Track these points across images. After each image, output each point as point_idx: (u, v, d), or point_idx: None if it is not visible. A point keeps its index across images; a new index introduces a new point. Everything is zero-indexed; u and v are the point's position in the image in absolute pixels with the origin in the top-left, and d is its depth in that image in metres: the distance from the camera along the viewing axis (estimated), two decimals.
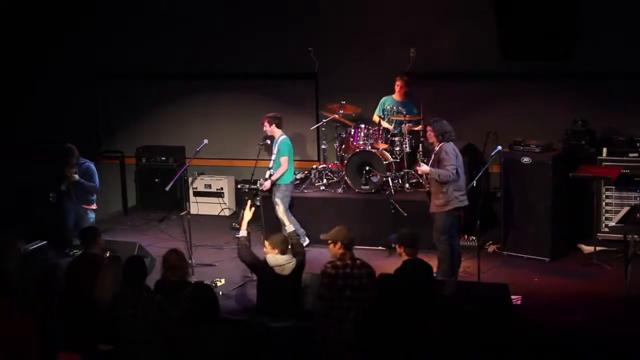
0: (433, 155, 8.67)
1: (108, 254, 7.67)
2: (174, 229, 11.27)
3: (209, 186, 12.15)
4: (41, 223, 10.50)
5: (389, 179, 10.31)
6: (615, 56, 10.36)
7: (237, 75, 12.18)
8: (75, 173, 9.82)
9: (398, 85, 10.81)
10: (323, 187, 10.79)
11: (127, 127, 12.79)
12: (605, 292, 8.58)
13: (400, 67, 10.98)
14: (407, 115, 10.65)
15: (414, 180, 10.61)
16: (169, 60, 12.26)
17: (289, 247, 7.32)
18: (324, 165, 11.11)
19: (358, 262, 6.68)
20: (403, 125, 10.64)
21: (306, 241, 9.86)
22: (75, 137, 10.30)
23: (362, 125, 10.70)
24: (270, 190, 10.02)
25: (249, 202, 8.17)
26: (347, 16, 11.40)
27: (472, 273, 8.97)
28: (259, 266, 7.41)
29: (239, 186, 11.86)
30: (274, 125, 10.03)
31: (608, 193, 9.95)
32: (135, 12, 12.15)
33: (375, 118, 10.98)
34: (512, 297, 7.96)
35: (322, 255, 7.78)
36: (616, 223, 8.59)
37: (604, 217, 9.93)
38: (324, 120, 11.06)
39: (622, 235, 8.84)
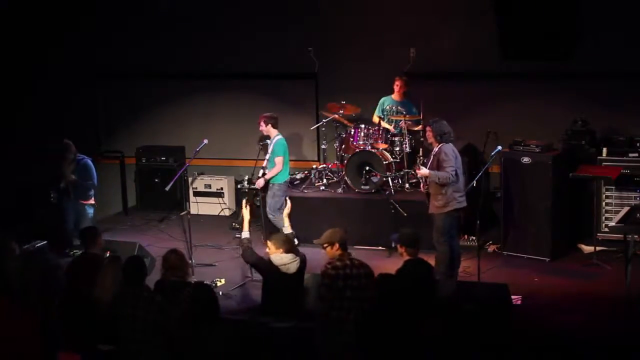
0: (432, 157, 8.65)
1: (108, 254, 7.67)
2: (174, 229, 11.27)
3: (209, 186, 12.15)
4: (41, 223, 10.51)
5: (389, 179, 10.31)
6: (615, 56, 10.36)
7: (237, 75, 12.18)
8: (73, 171, 9.85)
9: (397, 85, 10.81)
10: (323, 187, 10.79)
11: (127, 127, 12.79)
12: (605, 292, 8.58)
13: (400, 67, 10.98)
14: (407, 115, 10.65)
15: (414, 180, 10.61)
16: (169, 60, 12.26)
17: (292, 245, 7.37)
18: (324, 165, 11.11)
19: (356, 262, 6.69)
20: (401, 122, 10.64)
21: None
22: (75, 137, 10.29)
23: (362, 125, 10.70)
24: (265, 189, 10.03)
25: (244, 201, 8.19)
26: (347, 16, 11.40)
27: (472, 273, 8.97)
28: (263, 266, 7.43)
29: (239, 186, 11.86)
30: (270, 125, 10.03)
31: (608, 193, 9.95)
32: (135, 12, 12.15)
33: (375, 119, 10.98)
34: (512, 297, 7.97)
35: (316, 255, 7.78)
36: (616, 223, 8.59)
37: (604, 217, 9.93)
38: (324, 120, 11.06)
39: (622, 235, 8.84)
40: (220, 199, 12.11)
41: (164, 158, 12.26)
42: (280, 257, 7.21)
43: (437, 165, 8.50)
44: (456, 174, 8.46)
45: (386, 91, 10.93)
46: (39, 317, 5.80)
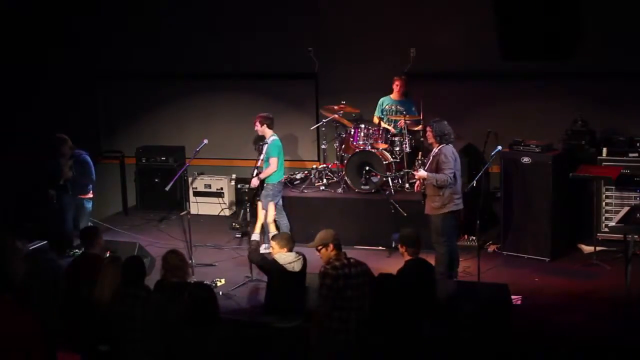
0: (431, 157, 8.64)
1: (108, 254, 7.68)
2: (174, 229, 11.27)
3: (209, 186, 12.15)
4: (41, 223, 10.52)
5: (389, 179, 10.31)
6: (615, 56, 10.36)
7: (237, 75, 12.18)
8: (71, 167, 9.88)
9: (396, 85, 10.81)
10: (323, 187, 10.79)
11: (127, 127, 12.79)
12: (605, 292, 8.58)
13: (400, 67, 10.98)
14: (407, 115, 10.65)
15: (414, 180, 10.59)
16: (169, 60, 12.26)
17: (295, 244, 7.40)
18: (324, 165, 11.11)
19: (352, 260, 6.71)
20: (400, 122, 10.64)
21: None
22: (76, 137, 10.31)
23: (362, 125, 10.70)
24: (259, 188, 10.03)
25: (260, 204, 8.22)
26: (347, 16, 11.40)
27: (472, 273, 8.97)
28: (268, 266, 7.47)
29: (239, 186, 11.87)
30: (265, 125, 10.03)
31: (608, 193, 9.95)
32: (136, 12, 12.15)
33: (375, 119, 10.98)
34: (512, 297, 7.97)
35: (315, 256, 7.79)
36: (616, 223, 8.58)
37: (604, 217, 9.93)
38: (324, 120, 11.06)
39: (622, 235, 8.83)
40: (220, 199, 12.11)
41: (164, 158, 12.26)
42: (285, 256, 7.27)
43: (436, 167, 8.49)
44: (454, 177, 8.46)
45: (386, 91, 10.93)
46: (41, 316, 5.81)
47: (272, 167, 9.85)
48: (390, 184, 10.32)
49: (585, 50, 7.36)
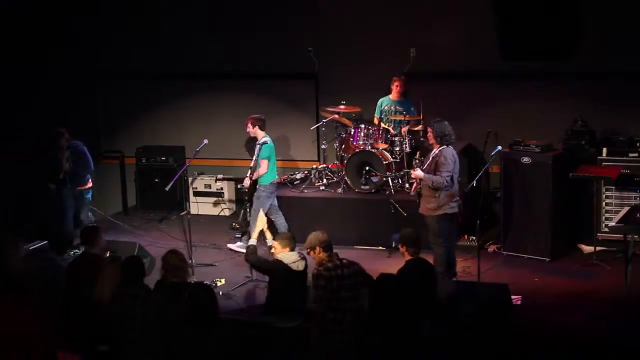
0: (431, 157, 8.63)
1: (108, 254, 7.68)
2: (174, 229, 11.27)
3: (209, 186, 12.15)
4: (41, 222, 10.53)
5: (389, 179, 10.31)
6: (615, 56, 10.36)
7: (237, 75, 12.18)
8: (67, 158, 9.90)
9: (396, 85, 10.80)
10: (323, 187, 10.79)
11: (127, 127, 12.79)
12: (605, 292, 8.58)
13: (400, 67, 10.97)
14: (407, 115, 10.64)
15: (413, 180, 10.59)
16: (169, 60, 12.26)
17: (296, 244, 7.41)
18: (324, 165, 11.11)
19: (345, 261, 6.73)
20: (402, 129, 10.63)
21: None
22: (76, 137, 10.31)
23: (362, 125, 10.69)
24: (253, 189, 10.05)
25: (263, 213, 8.23)
26: (347, 16, 11.40)
27: (472, 273, 8.97)
28: (267, 266, 7.47)
29: (238, 186, 11.86)
30: (257, 127, 10.03)
31: (608, 193, 9.95)
32: (136, 12, 12.15)
33: (376, 120, 10.98)
34: (512, 297, 7.97)
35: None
36: (616, 223, 8.59)
37: (604, 217, 9.93)
38: (324, 120, 11.06)
39: (622, 235, 8.84)
40: (220, 199, 12.11)
41: (164, 158, 12.26)
42: (288, 255, 7.29)
43: (435, 168, 8.48)
44: (451, 179, 8.45)
45: (386, 91, 10.93)
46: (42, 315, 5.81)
47: (263, 169, 9.84)
48: (390, 184, 10.32)
49: (585, 50, 7.36)
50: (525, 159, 9.64)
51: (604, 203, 9.97)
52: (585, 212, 9.95)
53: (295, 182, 11.09)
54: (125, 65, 12.47)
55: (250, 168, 9.88)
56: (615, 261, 9.33)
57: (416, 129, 10.64)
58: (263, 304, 7.75)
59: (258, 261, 7.68)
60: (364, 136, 10.57)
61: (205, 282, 7.54)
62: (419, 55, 11.01)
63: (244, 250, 9.75)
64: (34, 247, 8.92)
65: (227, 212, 12.07)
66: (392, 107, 10.85)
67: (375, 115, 11.00)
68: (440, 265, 8.45)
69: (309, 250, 6.82)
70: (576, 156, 10.10)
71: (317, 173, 11.02)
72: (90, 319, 6.36)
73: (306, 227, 9.87)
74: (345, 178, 10.49)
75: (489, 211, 10.48)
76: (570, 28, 6.61)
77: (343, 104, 10.87)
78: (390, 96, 10.90)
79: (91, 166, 10.23)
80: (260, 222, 7.96)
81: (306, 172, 11.27)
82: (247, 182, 9.94)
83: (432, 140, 8.67)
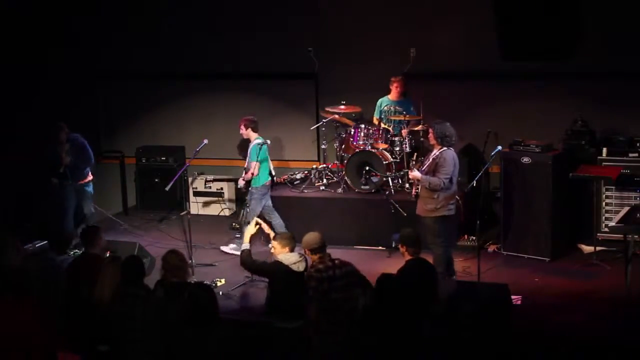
0: (431, 159, 8.62)
1: (108, 254, 7.68)
2: (174, 229, 11.27)
3: (209, 186, 12.15)
4: (41, 221, 10.53)
5: (389, 179, 10.31)
6: (615, 56, 10.36)
7: (237, 75, 12.17)
8: (67, 152, 9.92)
9: (395, 86, 10.79)
10: (323, 187, 10.79)
11: (127, 127, 12.79)
12: (605, 292, 8.59)
13: (400, 67, 10.97)
14: (407, 115, 10.64)
15: (413, 181, 10.60)
16: (169, 60, 12.26)
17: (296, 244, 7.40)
18: (324, 165, 11.11)
19: (337, 262, 6.72)
20: (403, 131, 10.63)
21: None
22: None
23: (362, 125, 10.69)
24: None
25: (255, 219, 8.23)
26: (347, 16, 11.40)
27: (472, 273, 8.97)
28: (267, 268, 7.45)
29: (238, 186, 11.87)
30: (249, 129, 10.04)
31: (608, 193, 9.95)
32: (136, 12, 12.15)
33: (375, 120, 10.98)
34: (512, 297, 7.97)
35: None
36: (616, 223, 8.59)
37: (604, 217, 9.93)
38: (324, 120, 11.06)
39: (622, 235, 8.84)
40: (220, 199, 12.11)
41: (164, 158, 12.26)
42: (289, 256, 7.26)
43: (435, 169, 8.47)
44: (450, 181, 8.44)
45: (386, 91, 10.93)
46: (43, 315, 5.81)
47: (254, 171, 9.84)
48: (390, 184, 10.32)
49: (585, 50, 7.38)
50: (525, 159, 9.64)
51: (604, 203, 9.96)
52: (585, 212, 9.95)
53: (295, 182, 11.09)
54: (125, 65, 12.47)
55: (245, 169, 9.91)
56: (615, 261, 9.33)
57: (416, 129, 10.63)
58: (263, 305, 7.74)
59: (255, 264, 7.66)
60: (364, 136, 10.57)
61: (205, 282, 7.54)
62: (419, 55, 11.01)
63: (234, 252, 9.78)
64: (34, 247, 8.92)
65: (227, 212, 12.07)
66: (391, 108, 10.84)
67: (375, 115, 11.00)
68: (440, 265, 8.45)
69: (305, 251, 6.86)
70: (576, 156, 10.10)
71: (317, 173, 11.02)
72: (90, 319, 6.36)
73: (306, 227, 9.90)
74: (345, 178, 10.49)
75: (489, 211, 10.48)
76: (570, 28, 6.61)
77: (343, 104, 10.87)
78: (390, 96, 10.90)
79: (91, 159, 10.26)
80: (251, 228, 7.92)
81: (306, 172, 11.27)
82: (241, 183, 9.97)
83: (432, 141, 8.66)
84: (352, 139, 10.70)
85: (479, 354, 6.47)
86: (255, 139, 10.01)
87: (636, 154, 9.88)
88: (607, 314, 8.01)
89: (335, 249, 9.15)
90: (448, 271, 8.64)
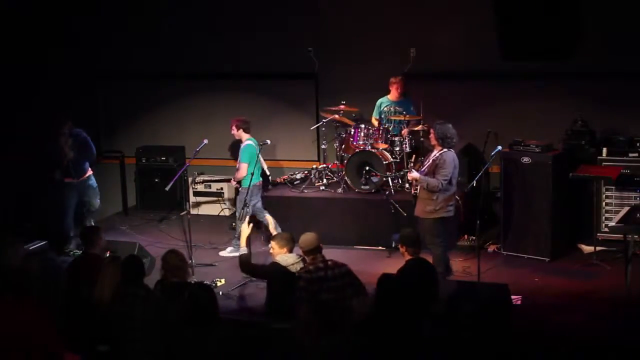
0: (431, 160, 8.62)
1: (108, 254, 7.68)
2: (174, 229, 11.27)
3: (209, 186, 12.15)
4: (41, 220, 10.54)
5: (389, 179, 10.31)
6: (615, 56, 10.36)
7: (237, 75, 12.17)
8: (71, 147, 9.93)
9: (395, 87, 10.78)
10: (323, 187, 10.79)
11: (127, 127, 12.79)
12: (605, 292, 8.58)
13: (400, 67, 10.97)
14: (407, 115, 10.64)
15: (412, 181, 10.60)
16: (169, 60, 12.26)
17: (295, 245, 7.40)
18: (324, 165, 11.11)
19: (330, 263, 6.71)
20: (403, 131, 10.63)
21: None
22: None
23: (362, 125, 10.69)
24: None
25: (247, 218, 8.23)
26: (347, 16, 11.40)
27: (472, 273, 8.97)
28: (263, 271, 7.45)
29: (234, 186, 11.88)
30: (241, 129, 10.06)
31: (608, 193, 9.95)
32: (136, 12, 12.15)
33: (374, 120, 10.97)
34: (512, 297, 7.96)
35: None
36: (616, 223, 8.58)
37: (604, 217, 9.93)
38: (324, 120, 11.06)
39: (622, 235, 8.83)
40: (220, 199, 12.12)
41: (164, 158, 12.27)
42: (286, 258, 7.24)
43: (434, 170, 8.47)
44: (450, 183, 8.43)
45: (386, 91, 10.92)
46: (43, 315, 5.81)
47: (241, 172, 9.87)
48: (390, 184, 10.32)
49: (585, 50, 7.38)
50: (525, 159, 9.64)
51: (604, 203, 9.97)
52: (585, 212, 9.95)
53: (295, 182, 11.10)
54: (125, 65, 12.47)
55: (236, 169, 9.95)
56: (615, 261, 9.33)
57: (416, 129, 10.63)
58: (263, 305, 7.74)
59: (254, 268, 7.66)
60: (364, 136, 10.57)
61: (205, 282, 7.54)
62: (419, 55, 11.01)
63: (233, 255, 9.78)
64: (34, 247, 8.92)
65: (227, 212, 12.07)
66: (391, 108, 10.84)
67: (373, 115, 11.00)
68: (440, 265, 8.45)
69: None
70: (576, 156, 10.10)
71: (317, 173, 11.02)
72: (90, 319, 6.35)
73: (306, 227, 9.90)
74: (345, 178, 10.49)
75: (489, 211, 10.48)
76: (570, 28, 6.61)
77: (343, 104, 10.87)
78: (389, 97, 10.90)
79: (94, 154, 10.32)
80: (245, 229, 7.90)
81: (306, 172, 11.27)
82: (232, 183, 9.98)
83: (433, 142, 8.66)
84: (352, 139, 10.70)
85: (479, 354, 6.46)
86: (246, 139, 10.03)
87: (636, 154, 9.88)
88: (607, 314, 8.01)
89: (335, 249, 9.20)
90: (446, 274, 8.64)
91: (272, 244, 7.44)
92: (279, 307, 7.21)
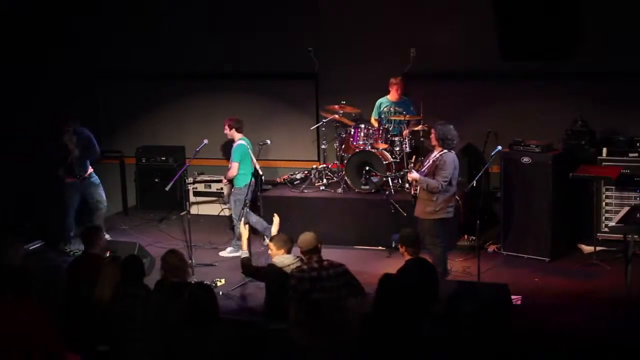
0: (431, 160, 8.62)
1: (108, 254, 7.68)
2: (174, 229, 11.27)
3: (209, 186, 12.15)
4: (42, 218, 10.54)
5: (389, 179, 10.31)
6: (615, 56, 10.36)
7: (237, 75, 12.17)
8: (75, 145, 9.95)
9: (395, 87, 10.78)
10: (323, 187, 10.79)
11: (127, 127, 12.79)
12: (605, 292, 8.58)
13: (400, 67, 10.97)
14: (407, 115, 10.64)
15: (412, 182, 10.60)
16: (169, 60, 12.26)
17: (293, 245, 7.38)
18: (324, 165, 11.11)
19: (325, 263, 6.70)
20: (404, 132, 10.62)
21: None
22: None
23: (362, 125, 10.69)
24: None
25: (243, 220, 8.23)
26: (347, 16, 11.40)
27: (472, 273, 8.97)
28: (263, 274, 7.44)
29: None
30: (234, 129, 10.07)
31: (608, 193, 9.95)
32: (136, 12, 12.15)
33: (373, 121, 10.97)
34: (512, 297, 7.96)
35: None
36: (616, 223, 8.58)
37: (604, 217, 9.93)
38: (324, 120, 11.06)
39: (622, 235, 8.83)
40: (220, 199, 12.12)
41: (164, 158, 12.27)
42: (283, 259, 7.22)
43: (434, 171, 8.47)
44: (449, 184, 8.43)
45: (386, 91, 10.92)
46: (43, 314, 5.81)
47: (232, 172, 9.88)
48: (390, 184, 10.32)
49: (585, 50, 7.39)
50: (525, 159, 9.64)
51: (604, 203, 9.96)
52: (585, 212, 9.95)
53: (295, 182, 11.10)
54: (125, 65, 12.47)
55: (228, 169, 9.98)
56: (615, 261, 9.33)
57: (416, 129, 10.63)
58: (263, 305, 7.74)
59: (256, 271, 7.66)
60: (364, 136, 10.57)
61: (205, 282, 7.54)
62: (419, 55, 11.01)
63: (233, 255, 9.78)
64: (34, 247, 8.93)
65: (227, 212, 12.06)
66: (391, 109, 10.83)
67: (373, 116, 10.99)
68: (440, 265, 8.45)
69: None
70: (576, 156, 10.10)
71: (317, 173, 11.02)
72: (90, 319, 6.36)
73: (306, 227, 9.89)
74: (345, 178, 10.49)
75: (489, 211, 10.48)
76: (570, 28, 6.62)
77: (343, 104, 10.87)
78: (389, 97, 10.89)
79: (97, 151, 10.37)
80: (244, 231, 7.89)
81: (306, 172, 11.27)
82: (224, 182, 10.02)
83: (434, 142, 8.66)
84: (352, 139, 10.70)
85: (479, 354, 6.47)
86: (239, 139, 10.03)
87: (636, 154, 9.88)
88: (607, 314, 8.01)
89: (335, 249, 9.21)
90: (446, 274, 8.64)
91: (270, 245, 7.43)
92: (277, 309, 7.21)
